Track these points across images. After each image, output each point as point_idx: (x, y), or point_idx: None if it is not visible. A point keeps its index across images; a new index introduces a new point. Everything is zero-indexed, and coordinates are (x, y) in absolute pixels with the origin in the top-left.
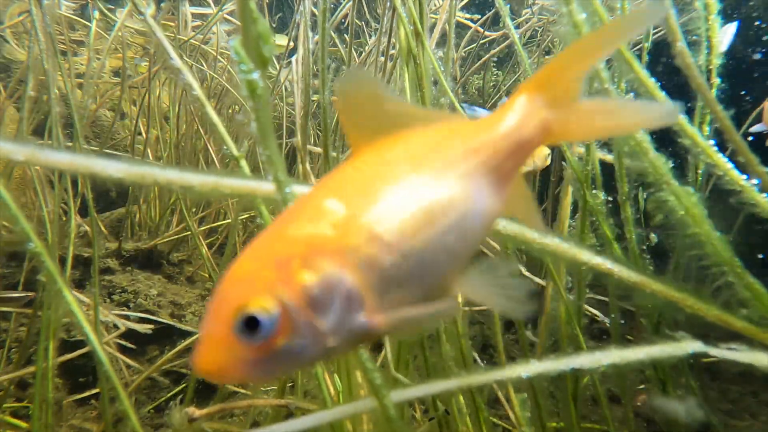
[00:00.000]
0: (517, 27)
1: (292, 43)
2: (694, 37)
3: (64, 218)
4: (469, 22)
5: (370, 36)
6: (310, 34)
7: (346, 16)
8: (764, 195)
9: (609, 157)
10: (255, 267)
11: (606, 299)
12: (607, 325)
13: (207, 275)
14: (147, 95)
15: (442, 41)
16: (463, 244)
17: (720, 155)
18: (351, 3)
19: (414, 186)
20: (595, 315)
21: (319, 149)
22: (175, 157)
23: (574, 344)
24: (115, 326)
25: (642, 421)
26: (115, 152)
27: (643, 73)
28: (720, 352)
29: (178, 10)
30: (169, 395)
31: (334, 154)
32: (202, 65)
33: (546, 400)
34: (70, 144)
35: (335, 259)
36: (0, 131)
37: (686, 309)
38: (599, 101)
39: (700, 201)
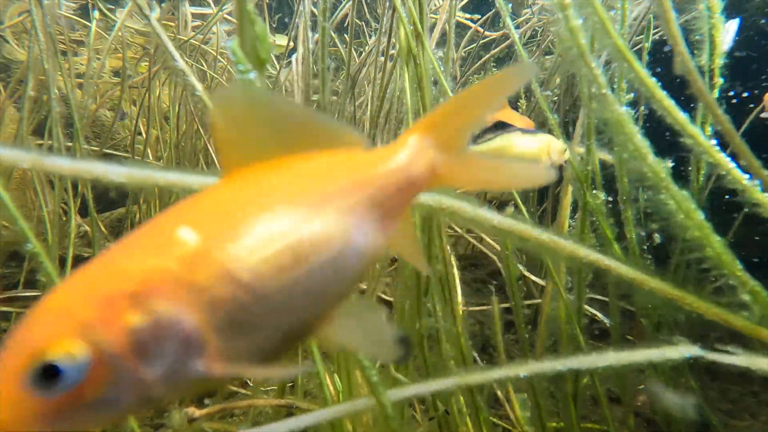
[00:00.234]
0: (517, 27)
1: (291, 43)
2: (697, 37)
3: (64, 218)
4: (469, 22)
5: (370, 36)
6: (310, 34)
7: (346, 15)
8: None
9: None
10: (69, 303)
11: (606, 299)
12: (608, 325)
13: None
14: (147, 95)
15: (442, 41)
16: (336, 285)
17: (722, 155)
18: (351, 3)
19: (284, 219)
20: (595, 315)
21: None
22: (175, 157)
23: (574, 344)
24: None
25: (642, 421)
26: (115, 152)
27: (643, 73)
28: (717, 356)
29: (178, 10)
30: None
31: None
32: (202, 65)
33: (546, 400)
34: (70, 144)
35: (175, 298)
36: (0, 131)
37: (686, 307)
38: (485, 157)
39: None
